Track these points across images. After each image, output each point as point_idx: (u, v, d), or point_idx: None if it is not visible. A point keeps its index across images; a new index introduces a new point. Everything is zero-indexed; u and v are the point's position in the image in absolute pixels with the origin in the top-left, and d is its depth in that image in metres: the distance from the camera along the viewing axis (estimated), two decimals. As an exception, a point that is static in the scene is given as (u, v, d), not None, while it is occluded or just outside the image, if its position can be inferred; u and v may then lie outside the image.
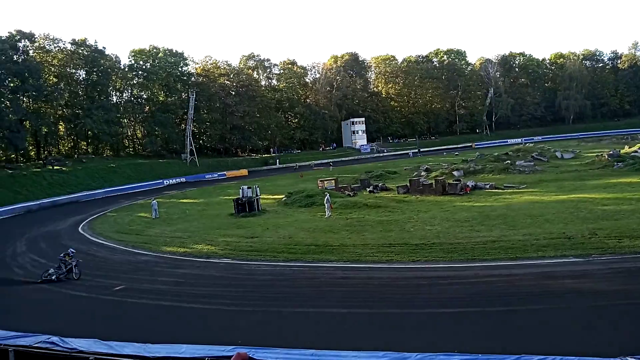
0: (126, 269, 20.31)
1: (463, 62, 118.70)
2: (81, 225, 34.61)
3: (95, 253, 24.11)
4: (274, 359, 9.39)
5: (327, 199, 29.45)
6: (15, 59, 66.25)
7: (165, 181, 68.18)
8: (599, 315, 11.37)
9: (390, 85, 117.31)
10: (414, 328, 11.71)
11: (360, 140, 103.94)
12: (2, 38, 66.21)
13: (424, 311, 12.71)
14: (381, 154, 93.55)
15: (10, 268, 22.19)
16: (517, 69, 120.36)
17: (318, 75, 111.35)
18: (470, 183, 36.10)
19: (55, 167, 63.12)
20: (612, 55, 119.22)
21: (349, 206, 31.07)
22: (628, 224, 19.67)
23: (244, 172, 78.73)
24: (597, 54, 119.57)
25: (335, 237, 22.48)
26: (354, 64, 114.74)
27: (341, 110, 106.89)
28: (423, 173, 48.25)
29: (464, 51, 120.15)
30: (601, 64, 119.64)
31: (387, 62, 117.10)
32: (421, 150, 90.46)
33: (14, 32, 68.40)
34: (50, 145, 75.84)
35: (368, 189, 38.98)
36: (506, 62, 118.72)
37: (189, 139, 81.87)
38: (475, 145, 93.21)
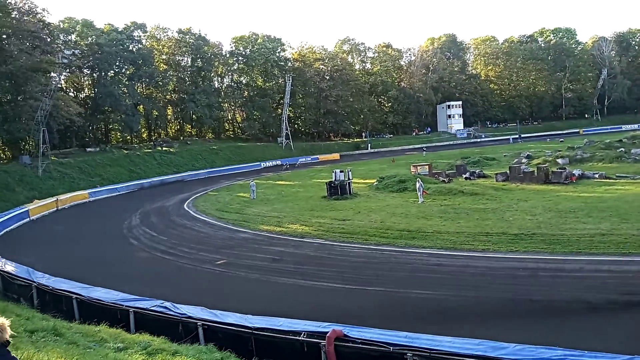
0: (227, 245, 21.64)
1: (572, 41, 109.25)
2: (186, 203, 37.23)
3: (199, 229, 25.86)
4: (368, 337, 9.63)
5: (420, 184, 28.96)
6: (130, 48, 72.39)
7: (262, 163, 70.96)
8: None
9: (489, 68, 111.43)
10: (512, 319, 11.33)
11: (457, 124, 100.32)
12: (120, 29, 72.58)
13: (522, 302, 12.23)
14: (479, 140, 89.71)
15: (127, 239, 24.58)
16: (636, 47, 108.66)
17: (413, 58, 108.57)
18: (576, 172, 33.56)
19: (163, 149, 68.26)
20: None
21: (443, 192, 30.30)
22: None
23: (336, 156, 79.58)
24: None
25: (429, 224, 22.11)
26: (451, 46, 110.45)
27: (437, 94, 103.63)
28: (524, 160, 45.57)
29: (574, 29, 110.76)
30: None
31: (487, 43, 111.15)
32: (522, 136, 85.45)
33: (129, 24, 74.58)
34: (159, 128, 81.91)
35: (464, 176, 37.69)
36: (623, 39, 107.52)
37: (285, 123, 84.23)
38: (583, 131, 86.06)
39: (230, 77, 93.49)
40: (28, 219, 32.27)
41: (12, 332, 2.46)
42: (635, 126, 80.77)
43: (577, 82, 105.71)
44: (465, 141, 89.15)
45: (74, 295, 12.42)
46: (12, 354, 2.45)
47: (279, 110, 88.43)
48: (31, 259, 19.11)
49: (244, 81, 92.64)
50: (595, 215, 21.03)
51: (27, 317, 10.40)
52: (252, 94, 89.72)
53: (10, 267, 16.20)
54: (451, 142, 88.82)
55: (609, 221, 19.69)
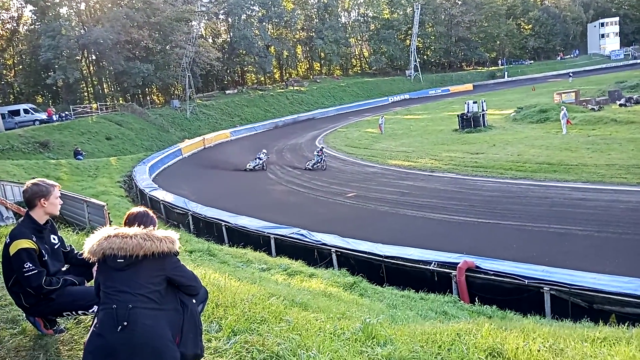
0: (356, 179, 22.17)
1: None
2: (317, 140, 38.49)
3: (329, 164, 26.76)
4: (501, 269, 9.43)
5: (564, 113, 26.31)
6: (259, -11, 74.23)
7: (389, 98, 69.84)
8: None
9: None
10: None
11: (611, 44, 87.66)
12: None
13: None
14: (638, 60, 77.76)
15: (266, 173, 26.43)
16: None
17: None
18: None
19: (294, 88, 70.44)
20: None
21: (591, 122, 27.30)
22: None
23: (469, 86, 75.11)
24: None
25: (573, 156, 20.28)
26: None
27: (587, 11, 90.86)
28: (699, 81, 38.79)
29: None
30: None
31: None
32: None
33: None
34: (290, 68, 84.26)
35: (618, 102, 33.31)
36: None
37: (414, 54, 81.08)
38: None
39: (356, 10, 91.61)
40: (181, 157, 36.10)
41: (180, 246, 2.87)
42: None
43: None
44: (621, 63, 77.78)
45: (223, 223, 13.88)
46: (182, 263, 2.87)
47: (407, 41, 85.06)
48: (186, 191, 21.60)
49: (370, 14, 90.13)
50: None
51: (186, 239, 11.90)
52: (379, 26, 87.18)
53: (170, 197, 18.52)
54: (604, 66, 78.07)
55: None
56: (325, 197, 19.29)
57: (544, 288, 8.41)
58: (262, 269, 8.71)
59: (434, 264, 9.79)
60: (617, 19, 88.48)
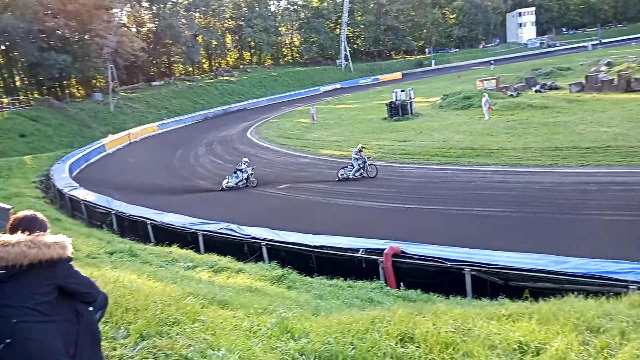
0: (289, 170, 22.11)
1: None
2: (249, 131, 38.00)
3: (262, 155, 26.51)
4: (425, 253, 9.73)
5: (486, 100, 27.62)
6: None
7: (321, 87, 70.16)
8: None
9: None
10: (578, 234, 10.97)
11: (528, 33, 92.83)
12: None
13: (591, 217, 11.76)
14: (552, 49, 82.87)
15: (195, 168, 25.74)
16: None
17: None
18: (664, 77, 30.51)
19: (224, 78, 69.02)
20: None
21: (510, 107, 28.79)
22: None
23: (398, 75, 76.88)
24: None
25: (494, 140, 21.34)
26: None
27: (506, 1, 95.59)
28: (603, 68, 41.80)
29: None
30: None
31: None
32: (602, 41, 77.86)
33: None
34: (219, 58, 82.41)
35: (534, 89, 35.41)
36: None
37: (344, 43, 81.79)
38: (678, 31, 77.04)
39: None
40: (104, 153, 34.43)
41: (73, 251, 2.67)
42: None
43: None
44: (537, 51, 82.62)
45: (148, 221, 13.37)
46: (76, 269, 2.67)
47: (337, 30, 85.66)
48: (109, 189, 20.60)
49: (300, 2, 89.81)
50: (682, 124, 19.37)
51: (108, 240, 11.37)
52: (309, 15, 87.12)
53: (92, 197, 17.60)
54: (522, 54, 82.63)
55: (698, 130, 18.09)
56: (257, 189, 19.11)
57: (465, 269, 8.78)
58: (187, 268, 8.49)
59: (362, 251, 9.97)
60: (533, 9, 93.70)
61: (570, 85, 33.63)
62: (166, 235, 12.30)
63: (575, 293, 7.07)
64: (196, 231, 11.90)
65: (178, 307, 4.44)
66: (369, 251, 9.92)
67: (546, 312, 4.26)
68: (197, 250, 11.17)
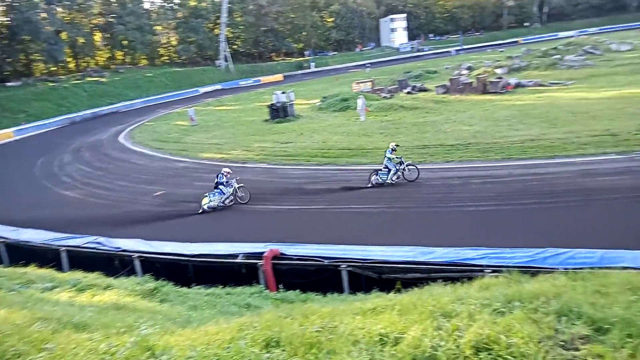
0: (165, 175, 21.12)
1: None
2: (121, 135, 35.66)
3: (136, 161, 25.03)
4: (304, 253, 9.83)
5: (363, 101, 28.89)
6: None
7: (200, 89, 68.19)
8: (628, 210, 11.15)
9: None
10: (444, 225, 11.88)
11: (400, 38, 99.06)
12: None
13: (455, 209, 12.79)
14: (421, 53, 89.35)
15: (59, 177, 23.49)
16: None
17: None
18: (512, 81, 34.38)
19: (93, 79, 64.06)
20: None
21: (384, 108, 30.44)
22: (680, 119, 18.55)
23: (279, 77, 77.45)
24: None
25: (369, 140, 22.37)
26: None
27: (380, 7, 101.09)
28: (464, 71, 46.09)
29: None
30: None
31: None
32: (464, 47, 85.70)
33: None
34: (87, 57, 76.31)
35: (405, 90, 37.83)
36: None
37: (224, 44, 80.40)
38: (523, 40, 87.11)
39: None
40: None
41: None
42: (572, 33, 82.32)
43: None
44: (408, 55, 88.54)
45: (1, 240, 11.91)
46: None
47: (216, 31, 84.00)
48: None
49: (176, 0, 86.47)
50: (527, 122, 21.90)
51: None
52: (187, 14, 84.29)
53: None
54: (395, 57, 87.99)
55: (539, 127, 20.58)
56: (130, 197, 17.97)
57: (341, 266, 9.06)
58: (45, 289, 7.65)
59: (241, 256, 9.82)
60: (404, 15, 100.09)
61: (436, 87, 36.46)
62: (24, 255, 11.02)
63: (440, 281, 7.66)
64: (58, 247, 10.84)
65: (22, 337, 3.96)
66: (249, 255, 9.82)
67: (407, 303, 4.48)
68: (61, 269, 10.17)
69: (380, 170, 15.85)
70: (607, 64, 40.72)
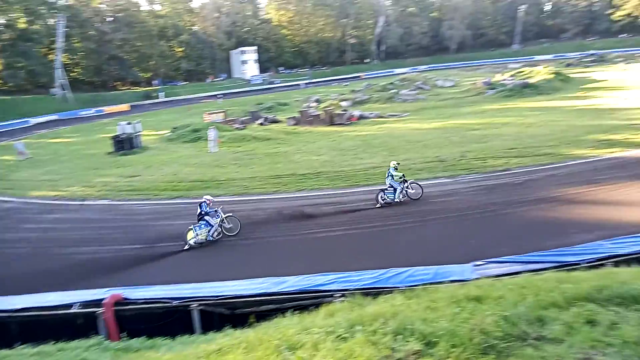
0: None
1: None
2: None
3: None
4: (150, 296, 9.15)
5: (214, 132, 28.55)
6: None
7: (32, 119, 61.09)
8: (457, 227, 12.56)
9: (282, 13, 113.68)
10: (296, 253, 12.08)
11: (251, 70, 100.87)
12: None
13: (308, 236, 13.11)
14: (273, 85, 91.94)
15: None
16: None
17: (206, 0, 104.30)
18: (356, 113, 37.01)
19: None
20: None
21: (237, 139, 30.49)
22: (493, 146, 21.58)
23: (125, 107, 72.87)
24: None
25: (223, 172, 22.11)
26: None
27: (230, 39, 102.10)
28: (313, 104, 48.43)
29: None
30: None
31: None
32: (312, 80, 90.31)
33: None
34: None
35: (258, 122, 38.39)
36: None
37: (59, 71, 73.58)
38: (364, 75, 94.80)
39: (-19, 16, 77.11)
40: None
41: None
42: (406, 69, 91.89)
43: (359, 28, 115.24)
44: (260, 87, 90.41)
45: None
46: None
47: (51, 56, 76.72)
48: None
49: (2, 21, 77.24)
50: (370, 151, 23.64)
51: None
52: (15, 37, 75.67)
53: None
54: (247, 89, 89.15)
55: (381, 155, 22.31)
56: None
57: (192, 305, 8.61)
58: None
59: (77, 305, 8.80)
60: (255, 48, 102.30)
61: (287, 118, 37.69)
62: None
63: (292, 310, 7.69)
64: None
65: None
66: (87, 304, 8.84)
67: (253, 339, 4.38)
68: None
69: (387, 189, 15.33)
70: (435, 98, 46.16)
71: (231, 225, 13.79)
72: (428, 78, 60.11)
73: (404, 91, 49.75)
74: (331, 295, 8.15)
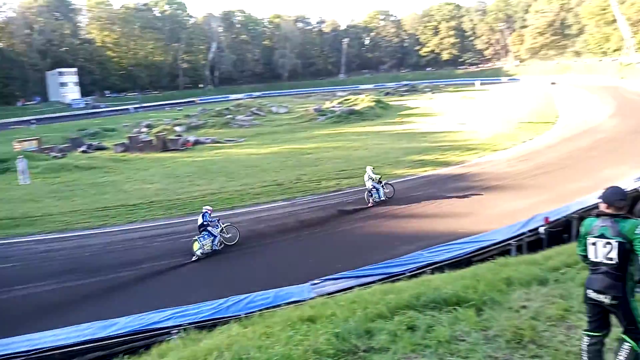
0: None
1: (185, 14, 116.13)
2: None
3: None
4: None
5: (24, 163, 25.11)
6: None
7: None
8: (296, 248, 12.90)
9: (106, 33, 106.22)
10: (129, 289, 11.14)
11: (72, 93, 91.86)
12: None
13: (142, 270, 12.19)
14: (97, 110, 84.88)
15: None
16: (238, 26, 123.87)
17: (14, 15, 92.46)
18: (191, 138, 36.10)
19: None
20: (319, 19, 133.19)
21: (56, 169, 27.37)
22: (325, 169, 22.81)
23: None
24: (307, 18, 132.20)
25: (38, 207, 19.55)
26: (59, 5, 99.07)
27: (45, 59, 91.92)
28: (144, 129, 45.92)
29: (184, 3, 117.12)
30: (310, 27, 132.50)
31: (102, 6, 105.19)
32: (143, 105, 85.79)
33: None
34: None
35: (80, 149, 34.97)
36: (228, 18, 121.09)
37: None
38: (199, 100, 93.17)
39: None
40: None
41: None
42: (241, 95, 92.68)
43: (191, 53, 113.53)
44: (83, 112, 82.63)
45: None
46: None
47: None
48: None
49: None
50: (208, 177, 23.16)
51: None
52: None
53: None
54: (66, 114, 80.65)
55: (219, 181, 22.01)
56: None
57: (-3, 366, 7.31)
58: None
59: None
60: (75, 69, 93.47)
61: (115, 145, 35.07)
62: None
63: (123, 354, 6.99)
64: None
65: None
66: None
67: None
68: None
69: (371, 190, 16.64)
70: (270, 123, 47.38)
71: (230, 234, 13.86)
72: (263, 104, 61.56)
73: (239, 117, 50.12)
74: (168, 333, 7.63)
